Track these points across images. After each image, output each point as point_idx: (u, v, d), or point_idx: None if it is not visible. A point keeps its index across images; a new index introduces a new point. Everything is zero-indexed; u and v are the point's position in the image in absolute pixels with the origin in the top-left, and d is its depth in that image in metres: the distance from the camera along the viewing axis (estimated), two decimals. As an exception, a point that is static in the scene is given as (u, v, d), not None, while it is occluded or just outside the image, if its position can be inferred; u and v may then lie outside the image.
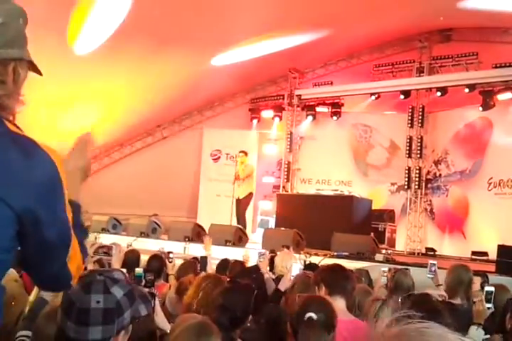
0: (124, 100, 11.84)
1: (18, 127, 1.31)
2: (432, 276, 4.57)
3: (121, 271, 1.63)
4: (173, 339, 1.97)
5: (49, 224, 1.28)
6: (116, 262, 2.76)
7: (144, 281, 3.19)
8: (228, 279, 3.19)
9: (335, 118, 13.12)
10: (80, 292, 1.44)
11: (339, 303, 2.98)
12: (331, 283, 3.07)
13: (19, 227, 1.25)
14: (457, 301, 3.78)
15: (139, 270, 3.07)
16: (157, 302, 2.50)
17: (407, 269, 4.60)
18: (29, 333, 2.11)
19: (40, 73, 1.41)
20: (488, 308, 3.48)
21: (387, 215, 11.31)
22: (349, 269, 5.11)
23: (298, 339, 2.33)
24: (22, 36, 1.37)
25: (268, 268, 4.46)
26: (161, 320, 2.49)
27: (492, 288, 3.64)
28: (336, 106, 13.08)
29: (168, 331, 2.38)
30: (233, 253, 7.23)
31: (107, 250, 2.86)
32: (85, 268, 2.43)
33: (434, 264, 4.64)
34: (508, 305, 3.12)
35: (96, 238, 8.89)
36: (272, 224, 11.85)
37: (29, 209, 1.25)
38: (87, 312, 1.41)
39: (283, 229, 9.35)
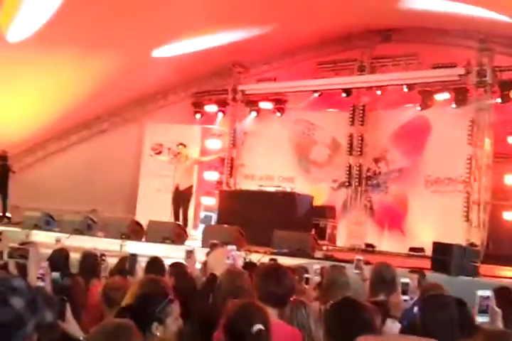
0: (58, 91, 11.34)
1: None
2: (359, 271, 4.53)
3: (20, 277, 1.46)
4: None
5: None
6: (32, 266, 2.51)
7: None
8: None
9: (278, 114, 13.11)
10: None
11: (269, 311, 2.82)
12: (264, 291, 2.82)
13: None
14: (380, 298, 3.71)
15: (55, 274, 2.84)
16: (68, 309, 2.30)
17: (342, 266, 4.52)
18: None
19: None
20: (405, 300, 3.46)
21: (328, 211, 11.41)
22: (288, 267, 5.07)
23: None
24: None
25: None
26: (72, 327, 2.29)
27: (407, 280, 3.63)
28: (279, 103, 13.06)
29: (81, 338, 2.21)
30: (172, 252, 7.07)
31: (23, 252, 2.59)
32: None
33: (360, 260, 4.62)
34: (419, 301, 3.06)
35: (27, 235, 8.46)
36: (215, 220, 11.69)
37: None
38: None
39: (224, 225, 9.23)
